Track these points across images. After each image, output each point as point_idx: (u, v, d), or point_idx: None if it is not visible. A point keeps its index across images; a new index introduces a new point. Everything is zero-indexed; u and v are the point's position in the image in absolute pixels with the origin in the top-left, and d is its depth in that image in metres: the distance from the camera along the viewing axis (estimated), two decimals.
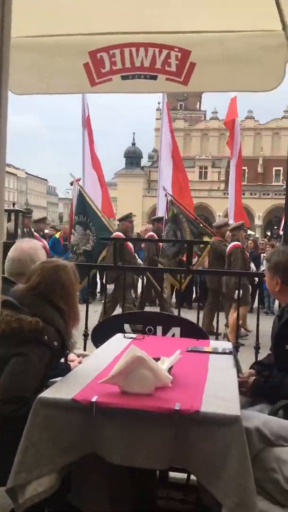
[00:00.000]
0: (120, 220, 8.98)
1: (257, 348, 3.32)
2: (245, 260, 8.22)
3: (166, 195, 9.33)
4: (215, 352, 2.69)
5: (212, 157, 60.29)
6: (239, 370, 2.84)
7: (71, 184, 8.98)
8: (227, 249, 8.13)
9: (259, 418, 2.11)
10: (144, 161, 64.70)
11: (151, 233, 10.31)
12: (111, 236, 7.88)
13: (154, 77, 2.72)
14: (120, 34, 2.72)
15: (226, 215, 15.65)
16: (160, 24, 2.68)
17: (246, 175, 59.36)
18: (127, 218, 8.92)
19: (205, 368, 2.33)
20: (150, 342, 2.91)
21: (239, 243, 8.29)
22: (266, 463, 1.93)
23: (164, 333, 3.30)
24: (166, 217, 9.04)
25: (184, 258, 8.16)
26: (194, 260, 8.21)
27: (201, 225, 8.57)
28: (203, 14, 2.61)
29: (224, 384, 2.08)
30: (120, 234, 8.28)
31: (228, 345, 2.89)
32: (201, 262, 8.59)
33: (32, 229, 10.49)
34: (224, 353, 2.69)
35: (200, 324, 3.92)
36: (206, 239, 8.36)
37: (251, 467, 1.66)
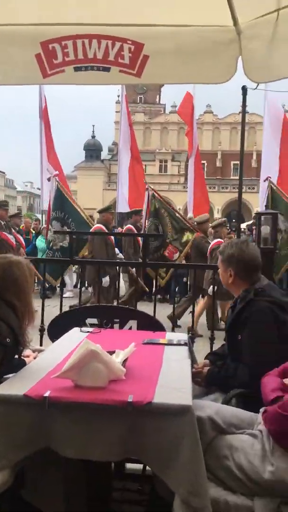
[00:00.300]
0: (100, 212, 8.86)
1: (212, 339, 3.38)
2: None
3: (147, 189, 9.21)
4: (170, 344, 2.72)
5: (172, 150, 60.63)
6: (194, 361, 2.89)
7: (49, 179, 8.81)
8: (210, 246, 8.18)
9: (212, 407, 2.16)
10: (104, 154, 64.32)
11: (129, 225, 10.08)
12: (92, 229, 7.86)
13: (107, 69, 2.70)
14: (73, 25, 2.68)
15: (186, 209, 15.80)
16: (113, 16, 2.66)
17: (205, 169, 60.09)
18: (108, 210, 8.82)
19: (159, 360, 2.36)
20: (107, 335, 2.92)
21: (222, 240, 8.43)
22: (218, 451, 1.98)
23: (121, 326, 3.32)
24: (147, 212, 8.94)
25: (166, 253, 8.19)
26: (176, 255, 8.18)
27: (183, 220, 8.53)
28: (156, 7, 2.61)
29: (178, 375, 2.11)
30: (102, 226, 8.18)
31: (183, 337, 2.93)
32: (182, 258, 8.58)
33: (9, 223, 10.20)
34: (179, 344, 2.73)
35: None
36: (187, 234, 8.31)
37: (202, 455, 1.70)
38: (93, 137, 62.24)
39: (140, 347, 2.60)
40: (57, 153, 12.05)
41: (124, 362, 2.11)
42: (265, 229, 3.17)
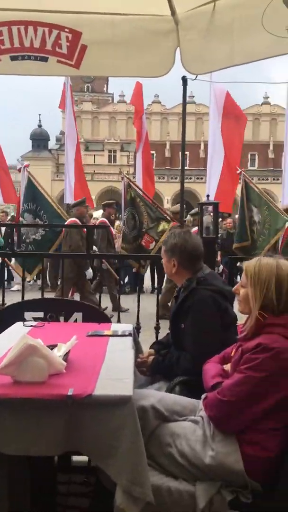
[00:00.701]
0: (73, 205, 8.69)
1: (157, 328, 3.42)
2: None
3: (122, 178, 9.05)
4: (114, 335, 2.72)
5: (121, 140, 60.42)
6: (139, 351, 2.91)
7: (19, 170, 8.52)
8: None
9: (155, 396, 2.18)
10: (52, 144, 63.20)
11: (103, 219, 9.96)
12: (66, 223, 7.69)
13: (44, 59, 2.63)
14: (7, 10, 2.60)
15: None
16: (49, 2, 2.60)
17: (154, 159, 60.36)
18: (82, 203, 8.66)
19: (103, 351, 2.36)
20: (51, 329, 2.88)
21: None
22: (161, 439, 2.01)
23: (66, 319, 3.28)
24: (124, 201, 8.82)
25: (143, 243, 8.10)
26: (152, 245, 8.10)
27: (159, 209, 8.47)
28: None
29: (120, 366, 2.12)
30: (76, 220, 8.03)
31: (128, 327, 2.94)
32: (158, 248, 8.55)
33: None
34: (123, 335, 2.73)
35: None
36: (163, 224, 8.26)
37: (143, 444, 1.72)
38: (40, 126, 60.96)
39: (84, 339, 2.59)
40: (1, 144, 11.75)
41: (66, 355, 2.10)
42: (207, 219, 3.22)
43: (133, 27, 2.60)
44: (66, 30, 2.62)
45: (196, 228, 8.23)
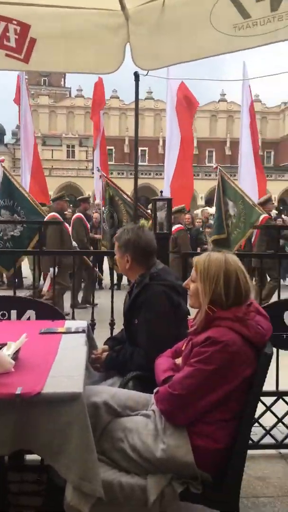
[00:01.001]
0: (53, 200, 8.49)
1: (112, 324, 3.42)
2: (190, 241, 8.51)
3: (100, 176, 8.94)
4: (68, 332, 2.70)
5: (79, 135, 59.82)
6: (93, 347, 2.90)
7: None
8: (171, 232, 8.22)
9: (108, 391, 2.18)
10: (8, 138, 61.87)
11: (78, 214, 9.79)
12: (46, 218, 7.53)
13: None
14: None
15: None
16: None
17: (113, 155, 60.19)
18: (62, 198, 8.48)
19: (55, 349, 2.33)
20: (2, 327, 2.83)
21: (182, 226, 8.56)
22: (113, 434, 2.02)
23: (19, 316, 3.23)
24: (103, 200, 8.71)
25: None
26: None
27: (138, 207, 8.43)
28: None
29: (71, 363, 2.10)
30: (56, 215, 7.88)
31: (82, 324, 2.92)
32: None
33: None
34: (77, 332, 2.71)
35: None
36: (142, 222, 8.25)
37: (93, 441, 1.72)
38: None
39: (36, 337, 2.56)
40: None
41: (15, 354, 2.07)
42: (161, 215, 3.24)
43: (83, 21, 2.57)
44: (14, 22, 2.56)
45: (177, 226, 8.38)
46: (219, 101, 65.12)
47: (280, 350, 3.27)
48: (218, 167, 8.98)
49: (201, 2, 2.36)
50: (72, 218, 9.72)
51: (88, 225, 9.93)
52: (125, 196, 8.67)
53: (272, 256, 5.64)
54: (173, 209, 9.37)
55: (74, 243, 8.64)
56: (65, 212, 9.22)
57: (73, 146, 60.25)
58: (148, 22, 2.50)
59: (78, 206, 10.58)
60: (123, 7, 2.57)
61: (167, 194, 10.26)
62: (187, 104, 10.86)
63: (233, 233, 8.16)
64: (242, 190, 8.37)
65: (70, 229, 8.73)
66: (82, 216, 9.67)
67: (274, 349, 3.14)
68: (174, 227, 8.55)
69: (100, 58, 2.60)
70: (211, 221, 14.91)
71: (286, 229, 9.88)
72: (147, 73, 2.69)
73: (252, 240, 8.31)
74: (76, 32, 2.58)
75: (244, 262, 2.14)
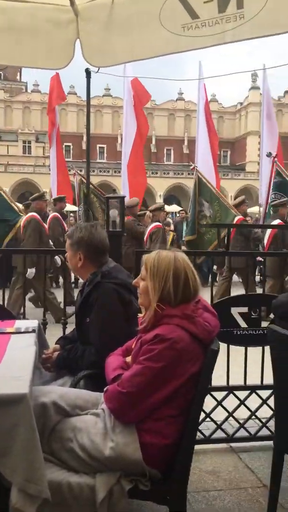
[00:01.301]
0: (33, 200, 8.30)
1: (64, 323, 3.38)
2: (165, 239, 8.64)
3: (74, 174, 8.78)
4: (17, 332, 2.66)
5: (36, 131, 58.84)
6: (45, 347, 2.87)
7: None
8: (149, 229, 8.27)
9: (57, 391, 2.16)
10: None
11: (54, 213, 9.63)
12: (26, 217, 7.44)
13: None
14: None
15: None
16: None
17: (71, 151, 59.57)
18: (41, 197, 8.29)
19: (3, 349, 2.29)
20: None
21: (160, 224, 8.56)
22: (62, 434, 2.00)
23: None
24: (77, 197, 8.59)
25: None
26: None
27: None
28: None
29: (19, 364, 2.07)
30: (35, 214, 7.76)
31: (33, 324, 2.88)
32: None
33: None
34: (27, 332, 2.67)
35: None
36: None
37: (39, 442, 1.70)
38: None
39: None
40: None
41: None
42: (113, 213, 3.23)
43: (30, 15, 2.52)
44: None
45: (155, 224, 8.39)
46: (176, 100, 65.63)
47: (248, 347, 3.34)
48: (196, 167, 9.11)
49: (151, 1, 2.36)
50: (49, 218, 9.62)
51: (65, 224, 9.83)
52: (101, 193, 8.70)
53: (223, 254, 5.76)
54: (153, 207, 9.51)
55: (50, 242, 8.59)
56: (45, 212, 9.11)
57: (29, 142, 59.21)
58: (97, 19, 2.47)
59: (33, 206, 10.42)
60: (72, 3, 2.54)
61: (126, 191, 10.30)
62: (139, 97, 10.92)
63: (208, 234, 8.30)
64: (218, 191, 8.54)
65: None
66: (59, 215, 9.64)
67: (225, 345, 3.23)
68: (152, 225, 8.62)
69: (49, 54, 2.56)
70: (169, 219, 15.09)
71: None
72: (98, 70, 2.67)
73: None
74: (24, 26, 2.52)
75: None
